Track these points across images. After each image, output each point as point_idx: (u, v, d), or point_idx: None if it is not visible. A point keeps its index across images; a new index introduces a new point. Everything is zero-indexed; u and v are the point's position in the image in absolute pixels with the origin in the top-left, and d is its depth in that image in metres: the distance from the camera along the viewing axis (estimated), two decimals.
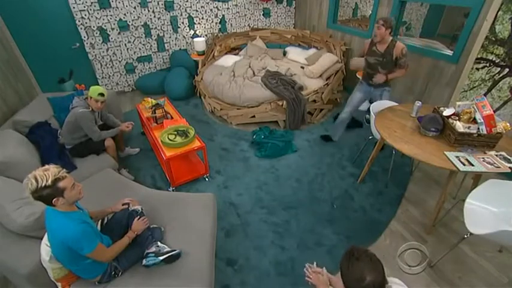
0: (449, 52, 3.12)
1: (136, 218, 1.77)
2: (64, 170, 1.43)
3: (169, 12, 4.63)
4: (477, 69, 2.84)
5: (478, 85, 2.87)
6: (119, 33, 4.38)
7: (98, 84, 4.51)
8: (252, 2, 5.28)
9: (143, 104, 3.32)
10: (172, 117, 3.07)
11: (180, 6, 4.68)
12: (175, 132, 2.74)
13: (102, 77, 4.59)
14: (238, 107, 3.80)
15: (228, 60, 4.65)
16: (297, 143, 3.49)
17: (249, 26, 5.52)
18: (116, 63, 4.60)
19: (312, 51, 4.76)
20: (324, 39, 4.79)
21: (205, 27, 5.10)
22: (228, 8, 5.13)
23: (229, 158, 3.25)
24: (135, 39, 4.57)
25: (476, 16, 2.73)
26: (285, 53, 4.99)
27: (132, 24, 4.42)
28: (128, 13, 4.32)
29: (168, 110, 3.17)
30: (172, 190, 2.73)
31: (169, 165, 2.59)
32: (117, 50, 4.50)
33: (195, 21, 4.93)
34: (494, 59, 2.69)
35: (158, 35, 4.73)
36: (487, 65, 2.75)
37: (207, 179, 2.90)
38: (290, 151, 3.33)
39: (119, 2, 4.19)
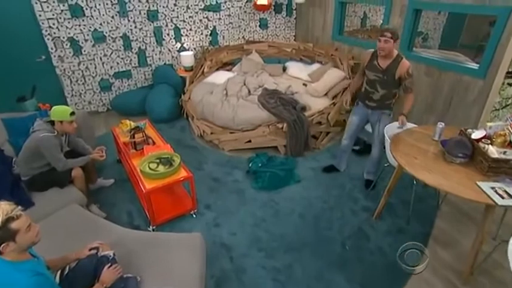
0: (474, 65, 3.20)
1: (107, 266, 1.70)
2: (19, 207, 1.38)
3: (152, 22, 4.77)
4: (509, 84, 2.89)
5: (511, 103, 2.90)
6: (94, 45, 4.47)
7: (67, 104, 4.52)
8: (247, 12, 5.48)
9: (120, 127, 3.32)
10: (154, 143, 3.08)
11: (165, 16, 4.83)
12: (158, 160, 2.74)
13: (72, 95, 4.61)
14: (232, 131, 3.81)
15: (220, 76, 4.72)
16: (299, 171, 3.49)
17: (244, 39, 5.68)
18: (89, 79, 4.65)
19: (316, 66, 4.86)
20: (329, 52, 4.92)
21: (193, 40, 5.24)
22: (219, 19, 5.30)
23: (221, 190, 3.23)
24: (112, 52, 4.66)
25: (504, 25, 2.83)
26: (284, 69, 5.10)
27: (109, 36, 4.53)
28: (104, 23, 4.43)
29: (150, 134, 3.18)
30: (153, 230, 2.69)
31: (150, 199, 2.56)
32: (91, 64, 4.56)
33: (182, 32, 5.07)
34: None
35: (139, 47, 4.83)
36: None
37: (194, 216, 2.87)
38: (292, 181, 3.33)
39: (94, 11, 4.32)
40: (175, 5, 4.82)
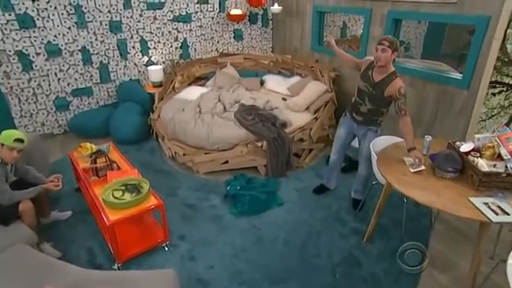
0: (458, 75, 3.37)
1: None
2: None
3: (115, 34, 4.74)
4: (493, 94, 3.06)
5: (497, 113, 3.06)
6: (47, 59, 4.38)
7: (15, 126, 4.35)
8: (220, 23, 5.57)
9: (79, 151, 3.26)
10: (119, 168, 3.04)
11: (130, 27, 4.83)
12: (123, 188, 2.69)
13: (21, 116, 4.47)
14: (207, 151, 3.79)
15: (192, 92, 4.74)
16: (282, 193, 3.50)
17: (217, 51, 5.75)
18: (42, 98, 4.52)
19: (295, 79, 4.97)
20: (309, 64, 5.05)
21: (162, 53, 5.24)
22: (190, 30, 5.35)
23: (197, 217, 3.19)
24: (69, 68, 4.57)
25: (483, 34, 3.01)
26: (262, 83, 5.18)
27: (66, 49, 4.46)
28: (59, 35, 4.36)
29: (114, 158, 3.13)
30: (118, 268, 2.60)
31: (114, 232, 2.48)
32: (44, 80, 4.46)
33: (149, 45, 5.07)
34: (511, 83, 2.92)
35: (101, 62, 4.77)
36: (504, 89, 2.97)
37: (166, 248, 2.80)
38: (274, 205, 3.33)
39: (48, 21, 4.25)
40: (141, 15, 4.84)
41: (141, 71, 5.15)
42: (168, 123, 4.13)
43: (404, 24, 3.99)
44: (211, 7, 5.37)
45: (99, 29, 4.60)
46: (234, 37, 5.83)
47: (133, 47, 4.96)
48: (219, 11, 5.47)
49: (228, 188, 3.46)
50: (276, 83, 5.05)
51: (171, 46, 5.29)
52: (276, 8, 5.15)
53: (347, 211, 3.23)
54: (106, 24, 4.63)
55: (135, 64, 5.07)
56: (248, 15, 5.73)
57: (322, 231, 2.98)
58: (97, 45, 4.66)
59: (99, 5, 4.50)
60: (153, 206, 2.59)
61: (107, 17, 4.61)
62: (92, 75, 4.78)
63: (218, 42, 5.71)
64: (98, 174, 2.91)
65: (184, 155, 3.89)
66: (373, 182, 2.96)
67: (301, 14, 5.27)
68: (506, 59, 2.91)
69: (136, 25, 4.87)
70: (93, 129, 4.60)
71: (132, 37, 4.89)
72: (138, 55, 5.04)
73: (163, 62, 5.30)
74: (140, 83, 5.17)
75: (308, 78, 4.77)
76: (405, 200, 2.70)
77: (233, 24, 5.70)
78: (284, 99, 4.61)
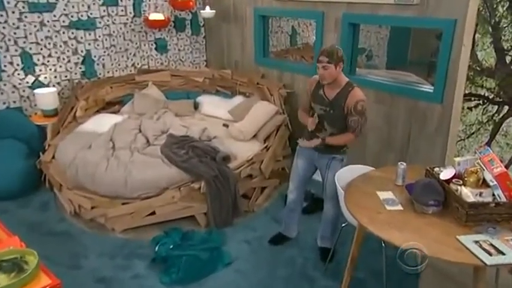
0: (429, 88, 3.65)
1: None
2: None
3: None
4: (469, 108, 3.32)
5: (476, 130, 3.32)
6: None
7: None
8: (137, 31, 5.58)
9: None
10: None
11: (4, 35, 4.61)
12: None
13: None
14: (125, 201, 3.69)
15: (102, 122, 4.64)
16: (230, 248, 3.48)
17: (135, 67, 5.72)
18: None
19: (238, 100, 5.07)
20: (254, 81, 5.20)
21: (56, 71, 5.09)
22: (95, 40, 5.27)
23: None
24: None
25: (451, 39, 3.32)
26: (196, 106, 5.22)
27: None
28: None
29: None
30: None
31: None
32: None
33: (35, 60, 4.89)
34: (487, 95, 3.20)
35: None
36: (480, 102, 3.24)
37: None
38: (220, 265, 3.30)
39: None
40: (20, 19, 4.65)
41: (25, 95, 4.92)
42: (68, 166, 3.94)
43: (364, 29, 4.27)
44: (122, 10, 5.37)
45: None
46: (156, 48, 5.84)
47: (11, 63, 4.74)
48: (134, 16, 5.48)
49: (157, 248, 3.37)
50: (213, 106, 5.11)
51: (69, 61, 5.14)
52: (207, 11, 5.27)
53: (314, 265, 3.25)
54: None
55: (15, 86, 4.83)
56: (173, 20, 5.80)
57: None
58: None
59: None
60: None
61: None
62: None
63: (135, 55, 5.68)
64: None
65: (92, 208, 3.74)
66: (343, 224, 3.02)
67: (240, 19, 5.44)
68: (478, 68, 3.19)
69: (14, 33, 4.67)
70: None
71: (8, 49, 4.68)
72: (18, 74, 4.81)
73: (58, 83, 5.12)
74: (24, 112, 4.93)
75: (254, 98, 4.87)
76: (383, 244, 2.77)
77: (154, 32, 5.73)
78: (225, 125, 4.64)
